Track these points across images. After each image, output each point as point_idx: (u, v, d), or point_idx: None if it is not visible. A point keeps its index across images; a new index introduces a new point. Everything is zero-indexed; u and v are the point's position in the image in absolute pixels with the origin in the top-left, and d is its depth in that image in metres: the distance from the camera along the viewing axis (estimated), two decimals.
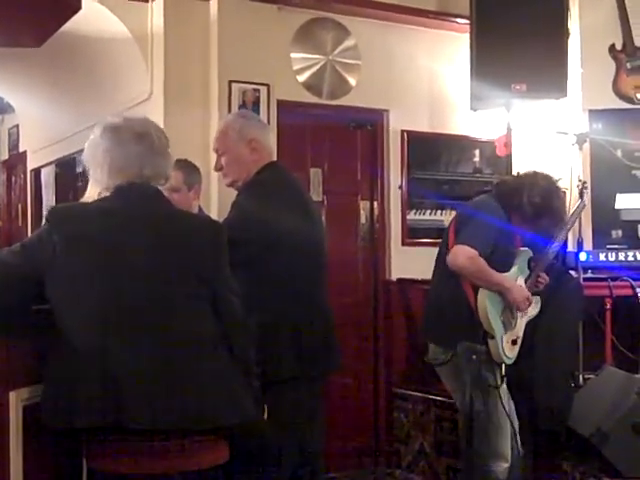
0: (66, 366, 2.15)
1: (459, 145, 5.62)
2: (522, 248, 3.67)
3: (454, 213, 5.42)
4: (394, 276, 5.38)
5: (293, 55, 5.08)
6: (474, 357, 3.35)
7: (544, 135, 5.35)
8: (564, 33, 5.04)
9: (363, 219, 5.45)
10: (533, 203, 3.53)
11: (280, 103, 4.88)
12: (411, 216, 5.48)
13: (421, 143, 5.48)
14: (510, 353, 3.46)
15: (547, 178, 3.65)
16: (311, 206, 3.13)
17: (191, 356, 2.20)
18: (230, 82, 4.74)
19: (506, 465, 3.40)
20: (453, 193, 5.58)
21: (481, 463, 3.38)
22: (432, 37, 5.47)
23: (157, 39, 4.79)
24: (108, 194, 2.32)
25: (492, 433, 3.39)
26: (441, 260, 3.55)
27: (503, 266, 3.45)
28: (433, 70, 5.50)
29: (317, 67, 5.15)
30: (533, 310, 3.61)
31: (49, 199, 6.71)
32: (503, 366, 3.44)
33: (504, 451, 3.40)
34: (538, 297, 3.67)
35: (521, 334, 3.54)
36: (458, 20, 5.36)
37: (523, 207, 3.53)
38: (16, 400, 2.20)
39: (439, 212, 5.57)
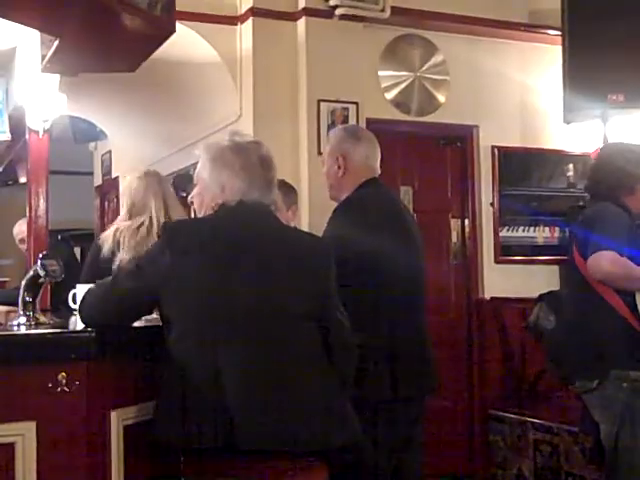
0: (178, 387, 2.14)
1: (552, 159, 5.49)
2: None
3: (548, 229, 5.39)
4: (487, 295, 5.27)
5: (381, 73, 5.06)
6: (624, 385, 2.97)
7: None
8: None
9: (454, 237, 5.36)
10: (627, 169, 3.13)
11: (369, 121, 4.85)
12: (503, 233, 5.37)
13: (512, 158, 5.38)
14: None
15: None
16: (410, 225, 3.04)
17: (301, 376, 2.19)
18: (319, 101, 4.75)
19: None
20: (546, 209, 5.46)
21: None
22: (522, 50, 5.39)
23: (246, 61, 4.85)
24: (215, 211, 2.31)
25: (636, 474, 2.97)
26: (572, 284, 3.25)
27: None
28: (524, 83, 5.41)
29: (405, 84, 5.12)
30: None
31: None
32: None
33: None
34: None
35: None
36: (549, 32, 5.26)
37: (622, 180, 3.13)
38: (117, 419, 2.20)
39: (532, 229, 5.44)
